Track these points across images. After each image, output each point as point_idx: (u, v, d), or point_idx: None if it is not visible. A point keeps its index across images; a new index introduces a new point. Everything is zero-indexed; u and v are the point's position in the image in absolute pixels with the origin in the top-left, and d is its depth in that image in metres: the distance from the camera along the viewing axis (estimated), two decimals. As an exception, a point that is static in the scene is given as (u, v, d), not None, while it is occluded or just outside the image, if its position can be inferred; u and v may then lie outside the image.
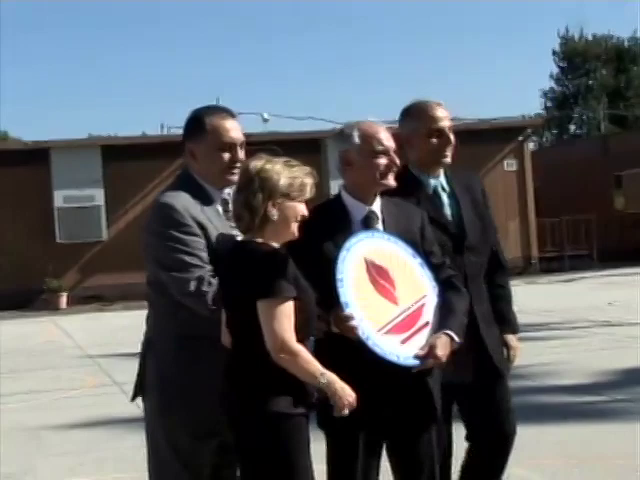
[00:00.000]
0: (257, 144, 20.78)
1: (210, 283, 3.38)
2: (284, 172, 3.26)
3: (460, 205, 4.04)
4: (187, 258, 3.42)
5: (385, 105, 78.08)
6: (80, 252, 22.46)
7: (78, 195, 22.13)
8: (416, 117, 4.03)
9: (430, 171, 4.03)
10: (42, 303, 21.79)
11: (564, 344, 11.26)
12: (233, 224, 3.43)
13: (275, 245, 3.28)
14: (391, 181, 3.62)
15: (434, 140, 3.98)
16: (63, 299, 22.12)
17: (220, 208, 3.60)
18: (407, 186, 3.90)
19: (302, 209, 3.31)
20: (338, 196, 3.66)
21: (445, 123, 4.01)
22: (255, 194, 3.24)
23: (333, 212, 3.58)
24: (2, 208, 22.06)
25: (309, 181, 3.31)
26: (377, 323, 3.36)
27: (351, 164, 3.61)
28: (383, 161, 3.58)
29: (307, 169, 3.34)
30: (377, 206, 3.64)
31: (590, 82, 48.79)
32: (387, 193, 3.77)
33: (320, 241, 3.47)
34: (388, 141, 3.61)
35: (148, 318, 3.72)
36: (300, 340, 3.20)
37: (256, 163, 3.30)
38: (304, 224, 3.35)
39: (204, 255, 3.44)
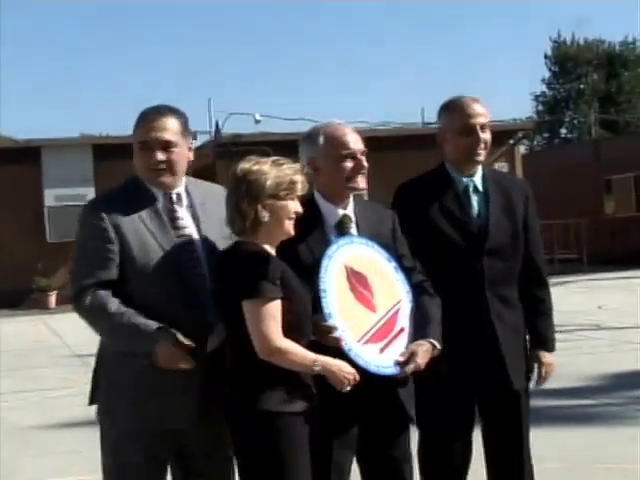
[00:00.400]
0: (248, 144, 20.82)
1: (93, 294, 3.32)
2: (271, 172, 3.25)
3: (489, 206, 3.93)
4: (82, 263, 3.42)
5: (375, 107, 78.26)
6: (70, 251, 22.35)
7: (69, 194, 22.11)
8: (449, 113, 3.95)
9: (464, 169, 3.93)
10: (32, 302, 21.75)
11: (555, 347, 11.28)
12: (180, 223, 3.43)
13: (266, 246, 3.28)
14: (360, 184, 3.56)
15: (465, 137, 3.88)
16: (52, 298, 22.08)
17: (164, 209, 3.46)
18: (437, 183, 3.90)
19: (294, 206, 3.30)
20: (312, 199, 3.58)
21: (477, 120, 3.89)
22: (243, 197, 3.24)
23: (307, 216, 3.45)
24: (-8, 206, 22.00)
25: (298, 178, 3.29)
26: (357, 333, 3.35)
27: (318, 169, 3.55)
28: (349, 164, 3.52)
29: (296, 166, 3.33)
30: (350, 209, 3.60)
31: (581, 86, 48.97)
32: (412, 189, 3.87)
33: (294, 245, 3.40)
34: (355, 144, 3.55)
35: None
36: (295, 341, 3.19)
37: (243, 166, 3.29)
38: None
39: (98, 263, 3.35)
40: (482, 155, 3.92)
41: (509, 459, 4.02)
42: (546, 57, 50.64)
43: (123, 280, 3.37)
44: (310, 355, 3.20)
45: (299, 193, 3.31)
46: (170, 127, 3.41)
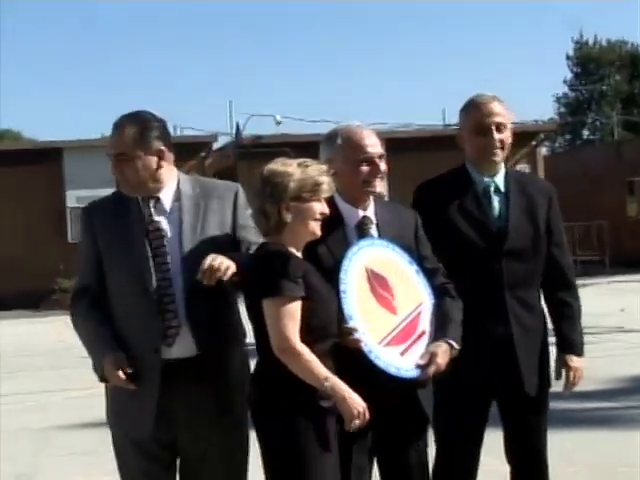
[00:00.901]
0: (269, 146, 20.84)
1: (78, 301, 3.57)
2: (296, 174, 3.25)
3: (510, 207, 3.88)
4: (80, 265, 3.61)
5: (396, 108, 78.14)
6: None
7: (90, 195, 22.00)
8: (466, 113, 3.93)
9: (483, 169, 3.90)
10: (53, 303, 21.84)
11: None
12: (154, 226, 3.49)
13: (291, 247, 3.28)
14: (377, 188, 3.55)
15: (481, 137, 3.85)
16: (75, 299, 22.15)
17: (139, 213, 3.53)
18: (456, 183, 3.88)
19: (320, 208, 3.30)
20: (332, 200, 3.55)
21: (493, 120, 3.84)
22: (267, 199, 3.26)
23: (327, 217, 3.47)
24: (15, 207, 22.15)
25: (324, 179, 3.29)
26: (378, 335, 3.34)
27: (336, 171, 3.52)
28: (366, 168, 3.52)
29: (322, 168, 3.33)
30: (371, 210, 3.59)
31: (604, 88, 48.70)
32: (431, 189, 3.86)
33: (315, 246, 3.40)
34: (373, 148, 3.54)
35: None
36: (312, 342, 3.18)
37: (269, 167, 3.30)
38: None
39: (84, 268, 3.59)
40: (499, 155, 3.88)
41: (524, 460, 4.02)
42: (568, 58, 50.45)
43: (105, 285, 3.52)
44: (323, 370, 3.16)
45: (325, 195, 3.31)
46: (121, 140, 3.45)
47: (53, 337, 16.44)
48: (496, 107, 3.87)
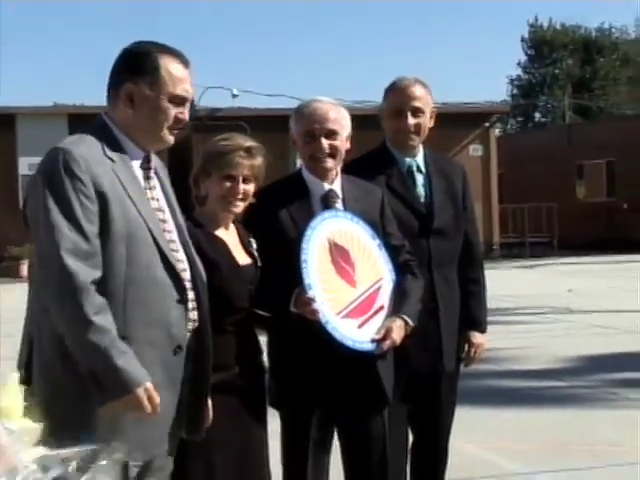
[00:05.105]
0: (225, 119, 20.81)
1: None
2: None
3: (432, 187, 3.94)
4: (64, 222, 2.67)
5: (357, 84, 78.19)
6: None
7: (43, 163, 21.99)
8: (386, 94, 3.96)
9: (402, 150, 3.93)
10: (3, 270, 21.66)
11: (526, 330, 11.38)
12: (154, 195, 2.91)
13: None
14: (325, 164, 3.51)
15: (395, 120, 3.88)
16: (24, 267, 21.97)
17: (140, 173, 2.89)
18: (381, 162, 3.89)
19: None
20: (299, 172, 3.61)
21: (409, 104, 3.86)
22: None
23: (293, 188, 3.52)
24: (-35, 173, 21.87)
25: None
26: (336, 307, 3.35)
27: (295, 144, 3.60)
28: (315, 144, 3.49)
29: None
30: (337, 185, 3.58)
31: (556, 71, 49.17)
32: (359, 168, 3.75)
33: (279, 216, 3.43)
34: (320, 124, 3.49)
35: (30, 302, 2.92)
36: (222, 316, 3.16)
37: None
38: (263, 199, 3.39)
39: (89, 228, 2.68)
40: (414, 140, 3.90)
41: (429, 442, 4.00)
42: (523, 40, 50.83)
43: None
44: None
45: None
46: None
47: (2, 305, 16.31)
48: (416, 91, 3.88)
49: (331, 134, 3.50)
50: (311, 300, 3.26)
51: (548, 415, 7.07)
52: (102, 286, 2.68)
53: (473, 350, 4.02)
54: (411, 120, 3.84)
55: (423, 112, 3.89)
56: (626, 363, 9.18)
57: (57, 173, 2.67)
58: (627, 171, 27.40)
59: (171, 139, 2.91)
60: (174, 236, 2.91)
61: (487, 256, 25.11)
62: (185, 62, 2.90)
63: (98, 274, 2.67)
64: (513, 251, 26.50)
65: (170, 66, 2.85)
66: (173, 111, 2.85)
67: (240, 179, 3.31)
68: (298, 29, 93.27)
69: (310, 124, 3.50)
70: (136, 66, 2.85)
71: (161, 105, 2.84)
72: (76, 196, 2.66)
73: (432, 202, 3.89)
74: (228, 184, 3.31)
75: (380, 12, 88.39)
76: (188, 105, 2.91)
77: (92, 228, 2.68)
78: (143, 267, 2.76)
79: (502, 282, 18.55)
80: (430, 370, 3.86)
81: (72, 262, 2.62)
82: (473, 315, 4.04)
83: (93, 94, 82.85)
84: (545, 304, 14.26)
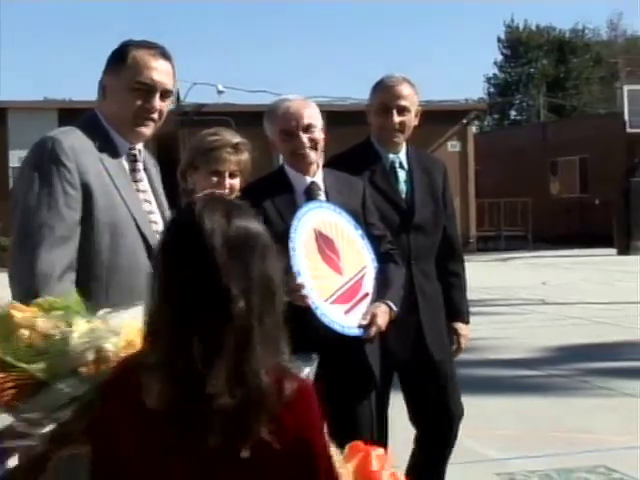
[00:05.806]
0: (211, 114, 21.22)
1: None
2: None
3: (414, 184, 4.01)
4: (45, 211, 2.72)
5: (340, 82, 78.49)
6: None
7: (33, 156, 22.28)
8: (373, 91, 4.03)
9: (386, 146, 4.00)
10: (-6, 261, 21.94)
11: (502, 320, 11.61)
12: (141, 187, 2.97)
13: None
14: (307, 158, 3.52)
15: (381, 118, 3.95)
16: (14, 258, 22.28)
17: (127, 165, 2.95)
18: (365, 157, 3.98)
19: None
20: (282, 168, 3.62)
21: (394, 102, 3.93)
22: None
23: (276, 184, 3.54)
24: (-45, 165, 22.17)
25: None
26: (324, 293, 3.38)
27: (273, 145, 3.62)
28: (294, 141, 3.51)
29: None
30: (319, 178, 3.61)
31: (531, 70, 49.94)
32: (343, 162, 3.82)
33: (266, 210, 3.40)
34: (300, 119, 3.51)
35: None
36: None
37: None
38: (249, 193, 3.33)
39: (67, 213, 2.72)
40: (399, 137, 3.98)
41: (439, 420, 4.05)
42: (499, 40, 51.62)
43: None
44: None
45: None
46: None
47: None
48: (403, 90, 3.96)
49: (308, 128, 3.52)
50: (300, 287, 3.28)
51: (522, 403, 7.23)
52: (86, 272, 2.73)
53: (461, 341, 4.18)
54: (396, 118, 3.93)
55: (409, 110, 3.98)
56: (597, 353, 9.43)
57: (45, 160, 2.75)
58: (599, 168, 27.83)
59: (145, 130, 2.92)
60: (160, 227, 2.90)
61: (464, 249, 25.34)
62: (163, 55, 2.93)
63: (68, 260, 2.70)
64: (489, 244, 26.95)
65: (139, 56, 2.88)
66: (137, 100, 2.88)
67: (227, 174, 3.40)
68: (283, 26, 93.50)
69: (286, 122, 3.52)
70: (111, 60, 2.94)
71: (122, 93, 2.88)
72: (60, 182, 2.72)
73: (413, 198, 3.99)
74: (215, 179, 3.39)
75: (361, 11, 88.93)
76: (158, 95, 2.90)
77: (71, 214, 2.72)
78: (127, 254, 2.79)
79: (478, 274, 18.93)
80: (415, 358, 3.92)
81: (44, 249, 2.66)
82: (456, 307, 4.16)
83: (83, 89, 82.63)
84: (520, 296, 14.46)
